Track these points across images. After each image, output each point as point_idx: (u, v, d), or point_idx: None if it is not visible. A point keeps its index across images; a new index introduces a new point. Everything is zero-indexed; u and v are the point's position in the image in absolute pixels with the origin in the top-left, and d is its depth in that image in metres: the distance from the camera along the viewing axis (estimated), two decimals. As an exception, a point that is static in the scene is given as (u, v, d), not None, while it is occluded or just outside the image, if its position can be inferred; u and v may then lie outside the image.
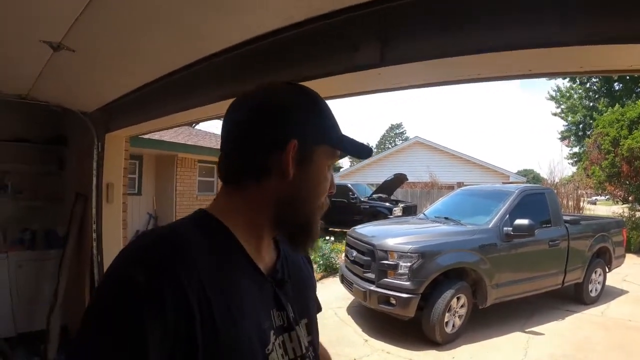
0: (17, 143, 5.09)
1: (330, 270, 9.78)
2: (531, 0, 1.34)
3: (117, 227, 4.47)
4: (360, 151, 1.06)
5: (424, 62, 1.61)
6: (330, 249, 10.27)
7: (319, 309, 1.24)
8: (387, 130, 71.39)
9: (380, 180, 18.54)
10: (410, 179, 19.99)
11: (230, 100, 1.05)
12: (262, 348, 0.89)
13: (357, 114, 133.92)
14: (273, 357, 0.92)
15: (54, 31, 2.12)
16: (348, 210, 16.37)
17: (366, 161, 31.83)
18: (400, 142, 28.55)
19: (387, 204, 16.64)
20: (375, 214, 15.51)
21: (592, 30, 1.21)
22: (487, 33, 1.43)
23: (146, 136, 7.95)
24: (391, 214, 15.33)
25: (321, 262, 9.97)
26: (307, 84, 1.89)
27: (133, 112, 3.50)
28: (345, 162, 61.11)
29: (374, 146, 71.17)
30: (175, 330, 0.75)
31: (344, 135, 1.04)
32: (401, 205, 16.56)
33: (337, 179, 24.97)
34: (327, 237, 11.10)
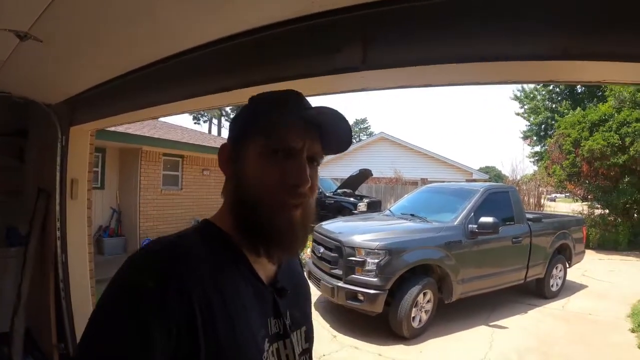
0: None
1: (296, 266, 9.70)
2: (513, 16, 1.36)
3: (82, 224, 4.24)
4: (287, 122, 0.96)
5: (404, 69, 1.63)
6: (296, 244, 10.19)
7: None
8: (352, 125, 71.71)
9: (345, 175, 18.60)
10: (375, 174, 19.98)
11: (203, 98, 1.07)
12: (259, 355, 0.91)
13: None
14: None
15: (22, 20, 2.01)
16: None
17: (331, 156, 31.67)
18: (365, 137, 28.52)
19: (352, 199, 16.66)
20: (340, 209, 15.50)
21: (566, 46, 1.25)
22: (464, 43, 1.45)
23: (111, 128, 7.75)
24: (356, 209, 15.35)
25: (287, 258, 9.90)
26: (287, 84, 1.90)
27: (100, 105, 3.35)
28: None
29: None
30: (179, 337, 0.77)
31: (278, 119, 0.96)
32: (366, 200, 16.59)
33: (303, 175, 24.80)
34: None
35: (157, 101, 2.70)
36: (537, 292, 8.26)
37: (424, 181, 20.41)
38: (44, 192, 4.32)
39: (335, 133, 1.02)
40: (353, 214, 13.98)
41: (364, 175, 18.04)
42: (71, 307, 3.75)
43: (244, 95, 1.58)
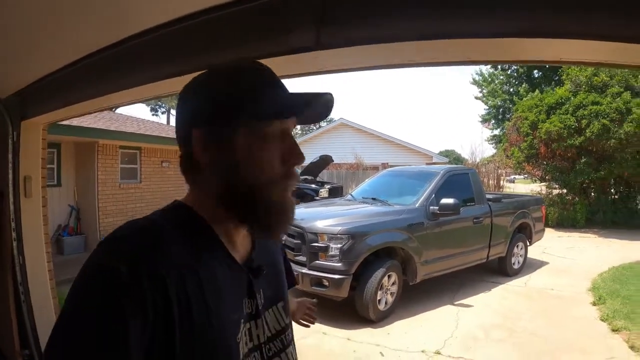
0: None
1: (261, 255, 9.63)
2: None
3: (38, 224, 4.11)
4: (293, 109, 0.95)
5: (361, 47, 1.58)
6: (260, 233, 10.10)
7: (296, 282, 1.31)
8: (309, 112, 71.41)
9: (306, 162, 18.58)
10: (336, 160, 20.03)
11: (153, 84, 0.99)
12: (234, 337, 0.90)
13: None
14: (241, 345, 0.92)
15: None
16: None
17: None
18: (325, 124, 28.59)
19: (313, 185, 16.70)
20: (302, 196, 15.46)
21: (527, 24, 1.22)
22: (424, 21, 1.38)
23: (65, 122, 7.50)
24: (317, 196, 15.39)
25: (251, 247, 9.83)
26: None
27: (52, 97, 3.21)
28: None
29: (298, 128, 71.05)
30: (155, 319, 0.75)
31: (276, 96, 0.95)
32: (327, 186, 16.68)
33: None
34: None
35: (107, 90, 2.58)
36: (500, 270, 8.43)
37: (385, 166, 20.48)
38: None
39: (317, 109, 0.99)
40: (315, 200, 13.94)
41: (324, 161, 18.06)
42: (32, 310, 3.61)
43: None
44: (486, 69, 30.71)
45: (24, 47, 2.50)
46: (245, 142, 0.89)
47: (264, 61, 1.81)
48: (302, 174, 17.53)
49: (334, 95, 0.98)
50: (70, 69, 2.80)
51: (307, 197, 15.33)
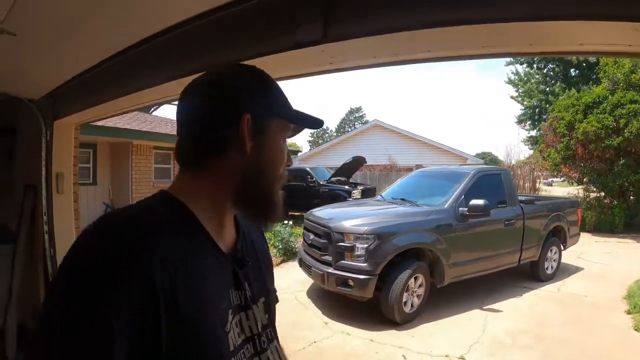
0: None
1: (289, 254, 9.73)
2: None
3: (69, 218, 4.29)
4: (311, 122, 1.08)
5: (371, 38, 1.55)
6: (289, 233, 10.16)
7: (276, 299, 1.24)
8: (346, 114, 71.24)
9: (340, 163, 18.53)
10: (369, 161, 20.00)
11: (177, 82, 1.05)
12: (222, 327, 0.90)
13: (317, 98, 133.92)
14: (231, 335, 0.93)
15: None
16: (307, 194, 16.40)
17: (325, 145, 31.78)
18: (360, 125, 28.84)
19: (346, 186, 16.61)
20: (334, 197, 15.45)
21: (541, 5, 1.17)
22: (438, 6, 1.35)
23: (100, 123, 7.74)
24: (350, 197, 15.31)
25: (280, 246, 9.90)
26: (250, 62, 1.85)
27: (81, 97, 3.37)
28: (305, 146, 60.79)
29: (334, 130, 71.11)
30: (141, 308, 0.75)
31: (293, 108, 1.06)
32: (360, 187, 16.55)
33: (296, 163, 24.89)
34: (286, 222, 10.99)
35: (133, 89, 2.65)
36: (532, 275, 8.19)
37: (419, 167, 20.28)
38: (30, 188, 4.37)
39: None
40: (347, 201, 13.91)
41: (357, 162, 17.95)
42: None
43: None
44: (522, 68, 30.20)
45: (51, 51, 2.66)
46: (273, 135, 1.01)
47: (272, 58, 1.86)
48: (335, 175, 17.60)
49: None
50: (96, 70, 2.96)
51: (339, 198, 15.32)
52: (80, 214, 4.58)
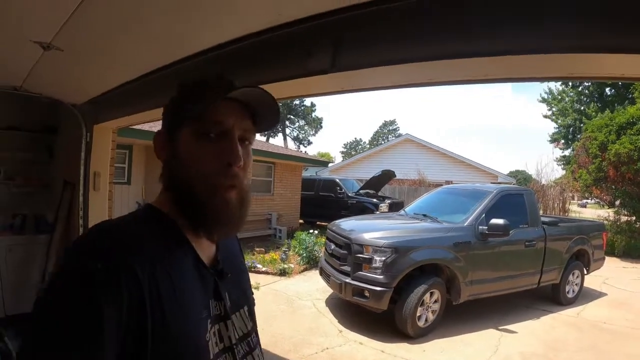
0: (10, 131, 5.25)
1: (312, 262, 9.85)
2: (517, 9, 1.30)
3: (103, 214, 4.57)
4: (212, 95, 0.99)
5: (375, 69, 1.67)
6: (313, 242, 10.33)
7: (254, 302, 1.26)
8: (380, 127, 70.96)
9: (369, 176, 18.56)
10: (399, 175, 19.95)
11: None
12: (203, 336, 0.94)
13: (352, 111, 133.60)
14: (210, 345, 0.95)
15: (45, 32, 2.26)
16: (335, 205, 16.54)
17: (356, 157, 31.68)
18: (393, 138, 28.76)
19: (374, 199, 16.68)
20: (362, 209, 15.57)
21: (583, 38, 1.22)
22: (446, 42, 1.46)
23: (136, 127, 8.01)
24: (377, 210, 15.34)
25: (304, 254, 10.06)
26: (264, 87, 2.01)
27: (119, 106, 3.64)
28: (338, 157, 60.63)
29: (367, 142, 70.75)
30: (129, 318, 0.78)
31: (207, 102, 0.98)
32: (388, 201, 16.51)
33: (327, 174, 24.89)
34: (311, 230, 11.17)
35: (164, 103, 2.82)
36: (553, 298, 8.10)
37: (448, 184, 20.18)
38: (69, 184, 4.65)
39: (263, 110, 1.05)
40: (373, 214, 13.95)
41: (386, 176, 18.00)
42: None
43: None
44: (555, 85, 29.75)
45: (94, 65, 2.97)
46: (185, 138, 0.98)
47: (284, 83, 1.99)
48: (364, 187, 17.64)
49: (271, 95, 1.03)
50: (132, 84, 3.27)
51: (367, 210, 15.39)
52: (114, 211, 4.84)
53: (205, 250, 1.04)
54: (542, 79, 1.81)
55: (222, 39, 2.09)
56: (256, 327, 1.19)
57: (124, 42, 2.38)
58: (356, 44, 1.69)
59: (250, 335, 1.13)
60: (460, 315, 6.71)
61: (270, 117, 1.07)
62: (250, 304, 1.19)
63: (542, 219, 8.08)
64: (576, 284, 8.39)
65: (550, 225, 7.90)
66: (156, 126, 10.68)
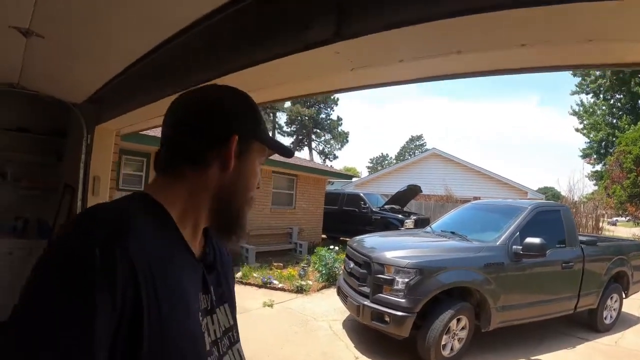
0: (18, 133, 5.39)
1: (332, 280, 9.46)
2: None
3: None
4: (284, 151, 1.13)
5: (391, 32, 1.28)
6: (333, 258, 9.90)
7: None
8: (407, 142, 71.28)
9: (395, 191, 18.24)
10: (425, 191, 19.73)
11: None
12: (198, 326, 0.93)
13: (378, 126, 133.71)
14: (206, 337, 0.96)
15: (20, 16, 2.24)
16: (358, 220, 16.40)
17: (382, 171, 31.63)
18: (419, 153, 28.89)
19: (400, 215, 16.38)
20: (387, 225, 15.45)
21: None
22: None
23: (151, 133, 8.00)
24: (402, 226, 14.98)
25: (323, 271, 9.69)
26: (262, 66, 1.80)
27: (119, 102, 3.54)
28: (364, 172, 61.00)
29: (393, 157, 71.04)
30: (123, 305, 0.75)
31: (270, 136, 1.11)
32: (413, 217, 16.23)
33: (351, 188, 24.78)
34: (331, 247, 10.70)
35: (166, 93, 2.68)
36: (589, 324, 7.51)
37: (476, 199, 19.68)
38: (69, 188, 4.60)
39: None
40: (398, 230, 13.54)
41: (412, 191, 17.69)
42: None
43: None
44: (587, 98, 29.09)
45: (81, 55, 2.91)
46: (253, 158, 1.06)
47: (283, 61, 1.67)
48: (389, 202, 17.44)
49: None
50: (127, 73, 3.16)
51: (391, 226, 15.12)
52: None
53: (196, 244, 1.04)
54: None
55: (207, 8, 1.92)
56: (237, 325, 1.18)
57: (106, 25, 2.30)
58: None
59: (232, 330, 1.13)
60: (489, 343, 6.18)
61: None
62: (233, 301, 1.19)
63: (580, 237, 7.49)
64: (614, 309, 7.82)
65: (588, 245, 7.33)
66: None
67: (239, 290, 8.38)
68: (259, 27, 1.75)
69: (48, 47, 2.73)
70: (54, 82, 3.90)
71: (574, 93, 29.79)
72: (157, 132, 8.97)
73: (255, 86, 2.07)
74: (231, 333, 1.12)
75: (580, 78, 28.74)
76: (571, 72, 26.82)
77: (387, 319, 5.37)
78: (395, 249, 6.08)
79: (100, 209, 0.89)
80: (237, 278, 9.31)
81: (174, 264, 0.90)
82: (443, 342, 5.36)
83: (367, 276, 5.89)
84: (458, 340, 5.59)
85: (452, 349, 5.52)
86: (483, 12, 1.07)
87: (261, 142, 1.06)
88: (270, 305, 7.62)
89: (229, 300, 1.16)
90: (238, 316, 1.20)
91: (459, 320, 5.55)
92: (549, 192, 38.77)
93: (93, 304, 0.71)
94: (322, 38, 1.43)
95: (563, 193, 23.20)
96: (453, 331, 5.50)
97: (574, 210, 18.46)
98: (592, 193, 23.67)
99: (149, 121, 3.84)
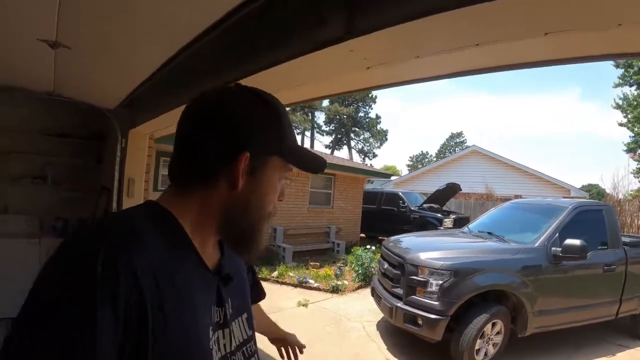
0: (58, 138, 5.61)
1: (368, 280, 9.38)
2: None
3: None
4: (311, 165, 1.06)
5: (405, 25, 1.24)
6: (370, 258, 9.84)
7: (263, 295, 1.46)
8: (447, 139, 70.21)
9: (434, 189, 18.02)
10: (465, 189, 19.38)
11: None
12: (206, 341, 0.90)
13: (419, 124, 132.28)
14: (214, 351, 0.94)
15: (46, 29, 2.30)
16: (397, 219, 16.38)
17: (421, 170, 31.28)
18: (460, 150, 28.33)
19: (438, 214, 16.21)
20: (425, 225, 15.31)
21: None
22: None
23: None
24: (441, 225, 14.78)
25: (360, 271, 9.64)
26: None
27: (150, 107, 3.62)
28: (404, 170, 60.41)
29: (434, 155, 70.13)
30: (126, 315, 0.73)
31: (298, 147, 1.05)
32: (452, 216, 16.03)
33: (390, 187, 24.57)
34: (368, 246, 10.63)
35: (191, 96, 2.65)
36: (631, 331, 7.20)
37: (518, 197, 19.23)
38: (105, 190, 4.70)
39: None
40: (437, 230, 13.36)
41: (451, 189, 17.44)
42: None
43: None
44: (630, 90, 27.89)
45: (108, 63, 3.01)
46: (270, 174, 0.99)
47: (293, 63, 1.66)
48: (428, 201, 17.30)
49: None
50: (156, 77, 3.19)
51: (430, 225, 14.96)
52: None
53: (210, 257, 1.01)
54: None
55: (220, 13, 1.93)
56: (254, 334, 1.17)
57: (127, 36, 2.37)
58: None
59: (249, 342, 1.12)
60: (525, 349, 6.00)
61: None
62: (250, 311, 1.17)
63: (623, 238, 7.18)
64: (659, 315, 7.45)
65: (632, 247, 7.02)
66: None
67: (274, 289, 8.47)
68: (269, 30, 1.76)
69: (76, 57, 2.80)
70: (86, 89, 4.02)
71: (617, 85, 28.62)
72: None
73: (273, 88, 2.08)
74: (247, 346, 1.10)
75: (622, 69, 27.56)
76: (613, 63, 25.80)
77: (420, 321, 5.29)
78: (429, 250, 5.99)
79: (108, 218, 0.95)
80: (273, 277, 9.38)
81: (182, 274, 0.87)
82: (477, 347, 5.25)
83: (400, 277, 5.82)
84: (493, 345, 5.46)
85: (486, 354, 5.40)
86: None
87: (280, 157, 0.99)
88: (305, 305, 7.62)
89: (247, 311, 1.14)
90: (272, 315, 1.24)
91: (494, 324, 5.42)
92: (594, 190, 37.50)
93: (94, 322, 0.70)
94: (334, 36, 1.40)
95: (607, 190, 22.44)
96: (487, 336, 5.38)
97: (619, 208, 17.79)
98: (638, 190, 22.77)
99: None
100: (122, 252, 0.76)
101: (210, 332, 0.93)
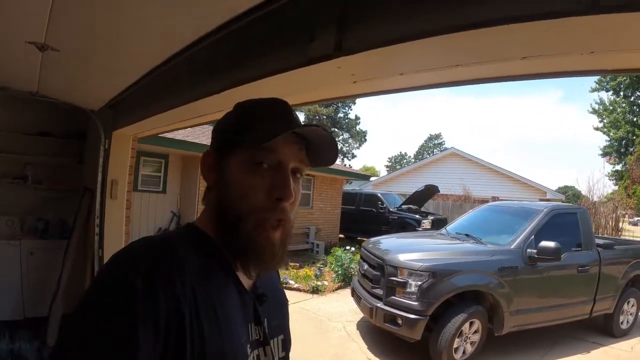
0: (38, 137, 5.54)
1: (348, 280, 9.43)
2: None
3: (120, 223, 4.68)
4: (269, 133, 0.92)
5: (391, 47, 1.31)
6: (350, 258, 9.94)
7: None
8: (425, 141, 70.58)
9: (413, 190, 18.17)
10: (443, 190, 19.60)
11: (219, 96, 1.39)
12: (242, 356, 0.91)
13: (397, 125, 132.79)
14: None
15: (36, 32, 2.32)
16: (375, 220, 16.48)
17: (400, 171, 31.45)
18: (438, 152, 28.60)
19: (417, 215, 16.37)
20: (404, 225, 15.42)
21: None
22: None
23: (169, 135, 8.08)
24: (420, 226, 14.94)
25: (340, 271, 9.72)
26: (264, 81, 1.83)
27: (135, 110, 3.63)
28: (383, 171, 60.51)
29: (412, 156, 70.49)
30: (167, 335, 0.76)
31: (276, 132, 0.91)
32: (431, 217, 16.20)
33: (369, 188, 24.68)
34: (347, 247, 10.73)
35: (180, 101, 2.73)
36: (605, 329, 7.40)
37: (495, 199, 19.48)
38: (88, 191, 4.69)
39: (323, 148, 1.01)
40: (417, 231, 13.48)
41: (430, 191, 17.65)
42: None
43: (231, 99, 1.39)
44: (607, 96, 28.50)
45: (95, 66, 3.02)
46: (236, 165, 0.95)
47: (285, 76, 1.70)
48: (406, 202, 17.40)
49: (331, 134, 0.99)
50: (142, 83, 3.23)
51: (408, 226, 15.10)
52: (138, 219, 4.85)
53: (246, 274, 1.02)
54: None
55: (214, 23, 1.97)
56: (288, 357, 1.15)
57: (117, 41, 2.39)
58: (367, 16, 1.39)
59: None
60: (501, 347, 6.14)
61: (329, 154, 1.02)
62: (288, 333, 1.15)
63: (596, 240, 7.38)
64: (631, 314, 7.69)
65: (605, 248, 7.22)
66: (190, 136, 10.75)
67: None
68: (262, 42, 1.80)
69: (63, 60, 2.81)
70: (71, 91, 4.01)
71: (593, 90, 29.20)
72: (175, 134, 9.07)
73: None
74: None
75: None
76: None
77: (399, 321, 5.38)
78: (409, 251, 6.10)
79: (146, 239, 0.91)
80: (252, 278, 9.41)
81: (220, 295, 0.90)
82: (455, 346, 5.36)
83: (380, 278, 5.90)
84: (470, 344, 5.58)
85: (464, 353, 5.52)
86: (482, 27, 1.08)
87: (244, 145, 0.95)
88: (285, 305, 7.65)
89: (284, 333, 1.13)
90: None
91: (471, 323, 5.54)
92: (569, 192, 38.16)
93: (135, 336, 0.72)
94: (324, 53, 1.45)
95: (583, 192, 22.89)
96: (465, 335, 5.49)
97: (593, 210, 18.19)
98: (612, 193, 23.28)
99: (166, 126, 3.89)
100: (160, 277, 0.79)
101: (248, 349, 0.95)
